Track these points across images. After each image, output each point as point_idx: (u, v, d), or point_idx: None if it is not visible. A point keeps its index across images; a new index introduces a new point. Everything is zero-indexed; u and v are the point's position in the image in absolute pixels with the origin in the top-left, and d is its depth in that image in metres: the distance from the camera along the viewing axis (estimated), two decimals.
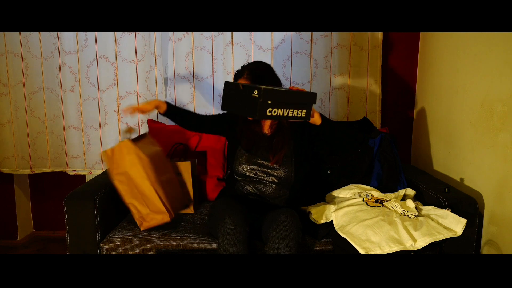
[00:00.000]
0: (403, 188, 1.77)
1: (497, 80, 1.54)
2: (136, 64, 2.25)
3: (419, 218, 1.51)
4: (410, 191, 1.73)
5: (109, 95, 2.28)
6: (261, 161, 1.66)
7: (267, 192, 1.66)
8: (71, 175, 2.37)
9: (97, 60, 2.25)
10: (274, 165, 1.65)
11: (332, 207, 1.67)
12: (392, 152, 1.87)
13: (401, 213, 1.53)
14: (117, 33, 2.23)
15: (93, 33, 2.23)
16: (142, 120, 2.29)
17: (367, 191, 1.73)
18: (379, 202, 1.62)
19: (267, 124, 1.73)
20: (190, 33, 2.23)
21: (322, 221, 1.62)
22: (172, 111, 1.74)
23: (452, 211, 1.49)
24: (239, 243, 1.39)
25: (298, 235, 1.42)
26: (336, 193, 1.78)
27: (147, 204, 1.64)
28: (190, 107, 2.30)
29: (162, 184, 1.66)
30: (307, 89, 2.28)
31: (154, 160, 1.66)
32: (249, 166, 1.67)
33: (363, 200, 1.64)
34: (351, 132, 1.83)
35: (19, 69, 2.23)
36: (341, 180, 1.86)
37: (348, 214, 1.56)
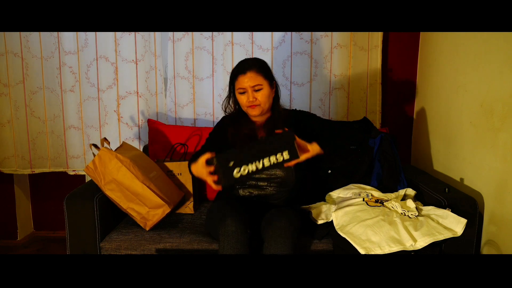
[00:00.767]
0: (403, 188, 1.77)
1: (497, 80, 1.54)
2: (136, 64, 2.25)
3: (419, 218, 1.51)
4: (410, 191, 1.73)
5: (109, 95, 2.28)
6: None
7: (267, 194, 1.65)
8: (71, 175, 2.37)
9: (97, 60, 2.25)
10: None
11: (332, 207, 1.67)
12: (392, 152, 1.86)
13: (401, 213, 1.53)
14: (117, 33, 2.23)
15: (93, 33, 2.23)
16: (142, 120, 2.30)
17: (367, 191, 1.73)
18: (379, 202, 1.62)
19: (259, 129, 1.69)
20: (190, 33, 2.23)
21: (322, 221, 1.62)
22: None
23: (452, 211, 1.49)
24: (240, 245, 1.38)
25: (294, 235, 1.41)
26: (336, 193, 1.78)
27: (144, 203, 1.64)
28: (190, 107, 2.30)
29: (152, 180, 1.69)
30: (307, 89, 2.28)
31: (137, 161, 1.70)
32: (246, 179, 1.63)
33: (363, 200, 1.64)
34: (350, 135, 1.81)
35: (19, 69, 2.23)
36: (341, 180, 1.86)
37: (348, 214, 1.56)
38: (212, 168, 1.38)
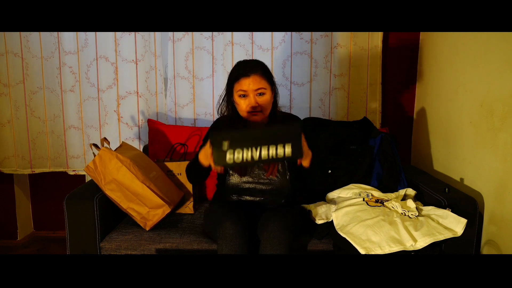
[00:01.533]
0: (403, 188, 1.77)
1: (497, 80, 1.54)
2: (136, 64, 2.25)
3: (420, 218, 1.51)
4: (411, 191, 1.73)
5: (109, 95, 2.28)
6: (255, 178, 1.59)
7: (263, 200, 1.62)
8: (71, 175, 2.37)
9: (97, 60, 2.25)
10: (269, 178, 1.58)
11: (333, 207, 1.67)
12: (392, 152, 1.86)
13: (402, 213, 1.53)
14: (117, 33, 2.23)
15: (93, 33, 2.23)
16: (142, 120, 2.30)
17: (367, 191, 1.73)
18: (380, 202, 1.62)
19: None
20: (190, 33, 2.23)
21: (322, 221, 1.62)
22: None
23: (452, 211, 1.49)
24: (238, 247, 1.37)
25: (289, 238, 1.39)
26: (336, 193, 1.78)
27: (144, 203, 1.64)
28: (190, 107, 2.30)
29: (152, 180, 1.69)
30: (307, 89, 2.28)
31: (137, 161, 1.69)
32: (242, 184, 1.60)
33: (363, 200, 1.64)
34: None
35: (19, 69, 2.23)
36: (341, 180, 1.86)
37: (349, 214, 1.56)
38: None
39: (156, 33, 2.23)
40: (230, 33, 2.21)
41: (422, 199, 1.72)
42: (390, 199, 1.64)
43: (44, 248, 2.44)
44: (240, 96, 1.50)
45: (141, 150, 2.24)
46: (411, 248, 1.40)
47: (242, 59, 2.19)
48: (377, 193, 1.70)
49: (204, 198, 2.06)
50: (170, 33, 2.23)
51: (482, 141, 1.64)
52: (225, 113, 1.60)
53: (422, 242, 1.40)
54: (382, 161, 1.86)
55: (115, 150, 1.72)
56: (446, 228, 1.44)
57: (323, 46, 2.24)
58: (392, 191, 1.75)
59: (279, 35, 2.24)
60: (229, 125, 1.57)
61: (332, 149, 1.92)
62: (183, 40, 2.23)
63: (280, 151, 1.20)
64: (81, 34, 2.23)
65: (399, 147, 1.97)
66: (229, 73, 1.57)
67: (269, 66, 2.22)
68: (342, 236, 1.50)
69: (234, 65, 1.58)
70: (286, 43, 2.24)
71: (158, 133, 2.10)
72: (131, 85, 2.27)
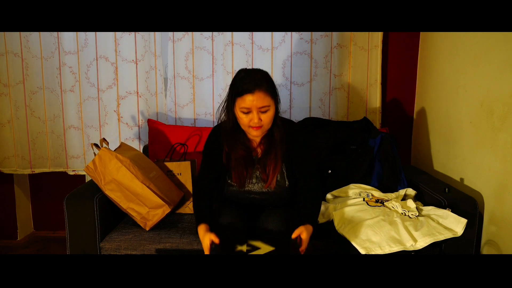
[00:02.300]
0: (403, 188, 1.77)
1: (497, 80, 1.54)
2: (136, 64, 2.25)
3: (420, 218, 1.51)
4: (411, 191, 1.73)
5: (109, 95, 2.28)
6: (253, 189, 1.56)
7: (262, 202, 1.60)
8: (71, 175, 2.37)
9: (97, 60, 2.25)
10: (268, 189, 1.55)
11: (333, 207, 1.67)
12: (392, 152, 1.86)
13: (402, 213, 1.53)
14: (117, 33, 2.23)
15: (93, 33, 2.23)
16: (142, 120, 2.30)
17: (367, 191, 1.73)
18: (380, 202, 1.62)
19: (257, 148, 1.56)
20: (190, 33, 2.23)
21: (323, 221, 1.62)
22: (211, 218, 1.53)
23: (452, 211, 1.49)
24: (237, 235, 1.39)
25: (288, 231, 1.39)
26: (336, 193, 1.78)
27: (144, 203, 1.64)
28: (190, 107, 2.30)
29: (152, 180, 1.68)
30: (307, 89, 2.28)
31: (136, 161, 1.69)
32: (241, 194, 1.57)
33: (363, 200, 1.64)
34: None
35: (19, 69, 2.23)
36: (341, 180, 1.86)
37: (349, 214, 1.56)
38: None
39: (156, 33, 2.23)
40: (230, 33, 2.21)
41: (422, 199, 1.72)
42: (390, 199, 1.64)
43: (44, 248, 2.44)
44: (243, 112, 1.43)
45: (141, 150, 2.24)
46: (411, 248, 1.40)
47: (242, 59, 2.24)
48: (377, 193, 1.70)
49: None
50: (170, 33, 2.23)
51: (482, 141, 1.64)
52: (224, 120, 1.55)
53: (422, 242, 1.40)
54: (382, 161, 1.86)
55: (115, 150, 1.72)
56: (446, 228, 1.44)
57: (323, 46, 2.24)
58: (392, 191, 1.76)
59: (279, 35, 2.23)
60: (229, 139, 1.53)
61: (332, 149, 1.92)
62: (183, 40, 2.23)
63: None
64: (81, 34, 2.23)
65: (399, 147, 1.97)
66: (231, 82, 1.48)
67: (269, 66, 2.24)
68: (342, 236, 1.50)
69: (236, 72, 1.48)
70: (286, 43, 2.24)
71: (158, 133, 2.10)
72: (131, 85, 2.27)
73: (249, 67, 2.25)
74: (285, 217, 1.46)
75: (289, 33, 2.23)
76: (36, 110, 2.28)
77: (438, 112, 2.05)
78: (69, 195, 1.65)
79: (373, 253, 1.40)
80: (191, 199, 1.89)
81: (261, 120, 1.43)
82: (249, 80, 1.40)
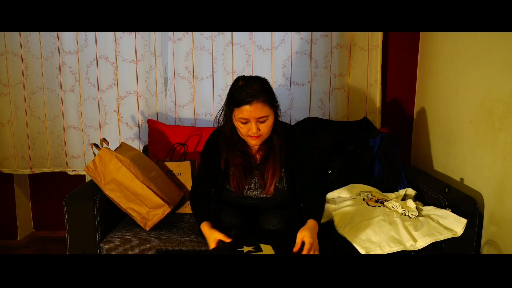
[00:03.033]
0: (403, 188, 1.77)
1: (497, 80, 1.54)
2: (136, 64, 2.25)
3: (420, 218, 1.51)
4: (411, 191, 1.73)
5: (109, 95, 2.28)
6: (252, 194, 1.57)
7: (262, 204, 1.61)
8: (71, 175, 2.37)
9: (97, 60, 2.25)
10: (266, 194, 1.56)
11: (333, 207, 1.67)
12: (392, 152, 1.86)
13: (402, 213, 1.53)
14: (117, 33, 2.23)
15: (93, 33, 2.23)
16: (142, 120, 2.30)
17: (367, 191, 1.73)
18: (380, 202, 1.62)
19: (256, 154, 1.57)
20: (190, 33, 2.23)
21: (323, 221, 1.62)
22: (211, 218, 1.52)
23: (452, 211, 1.49)
24: (241, 233, 1.39)
25: (288, 229, 1.42)
26: (336, 193, 1.78)
27: (144, 203, 1.64)
28: (190, 107, 2.30)
29: (152, 180, 1.68)
30: (307, 89, 2.28)
31: (136, 161, 1.69)
32: (239, 199, 1.58)
33: (363, 200, 1.64)
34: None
35: (19, 69, 2.23)
36: (341, 180, 1.86)
37: (349, 214, 1.56)
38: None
39: (156, 33, 2.23)
40: (230, 33, 2.21)
41: (422, 199, 1.72)
42: (390, 199, 1.64)
43: (44, 248, 2.44)
44: (241, 122, 1.42)
45: (141, 150, 2.24)
46: (411, 248, 1.40)
47: (242, 59, 2.24)
48: (377, 193, 1.70)
49: None
50: (170, 33, 2.23)
51: (482, 141, 1.64)
52: (222, 124, 1.54)
53: (422, 242, 1.40)
54: (382, 161, 1.86)
55: (115, 150, 1.72)
56: (446, 228, 1.44)
57: (323, 46, 2.24)
58: (392, 191, 1.76)
59: (279, 35, 2.23)
60: (227, 146, 1.52)
61: (332, 149, 1.92)
62: (183, 40, 2.23)
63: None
64: (81, 34, 2.23)
65: (399, 147, 1.97)
66: (229, 90, 1.45)
67: (269, 66, 2.25)
68: (342, 236, 1.50)
69: (234, 80, 1.46)
70: (286, 43, 2.24)
71: (158, 133, 2.10)
72: (131, 85, 2.27)
73: (249, 67, 2.25)
74: (285, 215, 1.46)
75: (289, 33, 2.23)
76: (36, 110, 2.28)
77: (438, 112, 2.05)
78: (69, 195, 1.65)
79: (373, 253, 1.40)
80: None
81: (259, 130, 1.41)
82: (246, 91, 1.37)
